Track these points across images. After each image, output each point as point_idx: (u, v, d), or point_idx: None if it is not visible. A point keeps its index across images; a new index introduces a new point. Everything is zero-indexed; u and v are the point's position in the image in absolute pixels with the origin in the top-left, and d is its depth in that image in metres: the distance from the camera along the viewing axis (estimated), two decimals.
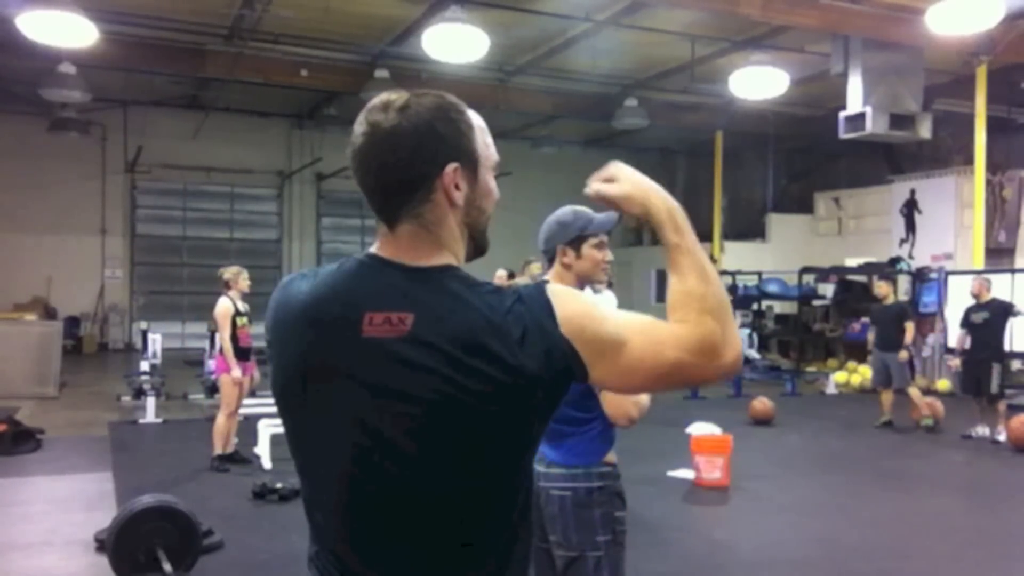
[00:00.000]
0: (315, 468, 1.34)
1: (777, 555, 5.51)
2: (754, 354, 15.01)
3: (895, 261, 15.19)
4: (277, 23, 12.10)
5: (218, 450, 7.29)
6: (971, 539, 5.94)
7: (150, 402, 9.67)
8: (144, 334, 12.50)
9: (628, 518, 2.67)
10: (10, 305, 16.36)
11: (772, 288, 16.55)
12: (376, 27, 12.62)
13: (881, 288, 10.56)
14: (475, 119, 1.35)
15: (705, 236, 17.78)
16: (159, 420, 9.55)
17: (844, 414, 11.28)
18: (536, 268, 7.05)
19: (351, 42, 13.21)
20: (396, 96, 1.32)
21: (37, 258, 17.65)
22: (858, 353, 14.59)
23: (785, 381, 13.64)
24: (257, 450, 7.49)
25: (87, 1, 10.09)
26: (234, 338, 7.26)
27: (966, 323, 9.53)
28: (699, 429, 8.07)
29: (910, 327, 9.89)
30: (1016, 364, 12.23)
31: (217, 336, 7.68)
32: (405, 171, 1.29)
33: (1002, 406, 9.29)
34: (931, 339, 14.04)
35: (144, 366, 11.62)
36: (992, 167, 13.64)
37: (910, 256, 15.52)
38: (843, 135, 11.86)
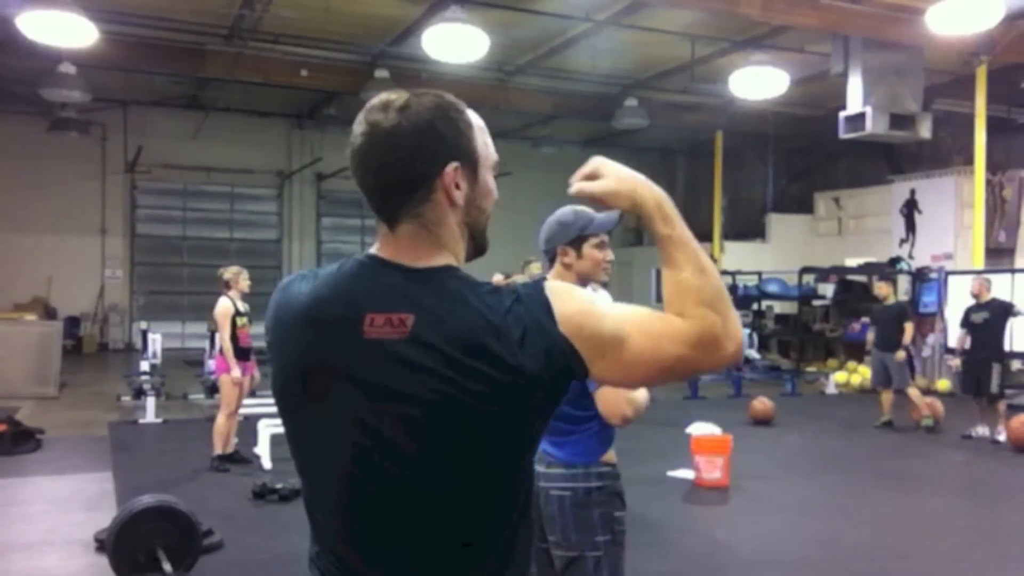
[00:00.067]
0: (315, 468, 1.34)
1: (777, 555, 5.51)
2: (754, 354, 14.98)
3: (895, 261, 15.19)
4: (277, 23, 12.10)
5: (218, 450, 7.30)
6: (971, 539, 5.93)
7: (150, 402, 9.67)
8: (144, 334, 12.51)
9: (628, 518, 2.67)
10: (10, 305, 16.36)
11: (772, 288, 16.54)
12: (376, 27, 12.62)
13: (881, 288, 10.58)
14: (474, 119, 1.35)
15: (705, 236, 17.79)
16: (159, 420, 9.55)
17: (844, 414, 11.27)
18: (536, 268, 7.04)
19: (351, 42, 13.22)
20: (396, 96, 1.32)
21: (37, 258, 17.65)
22: (858, 353, 14.60)
23: (785, 381, 13.63)
24: (257, 450, 7.50)
25: (87, 1, 10.09)
26: (234, 338, 7.26)
27: (966, 323, 9.54)
28: (699, 429, 8.07)
29: (909, 327, 9.89)
30: (1016, 364, 12.22)
31: (217, 336, 7.69)
32: (405, 171, 1.29)
33: (1002, 406, 9.29)
34: (931, 339, 14.04)
35: (144, 366, 11.63)
36: (992, 167, 13.64)
37: (910, 256, 15.51)
38: (843, 135, 11.86)
